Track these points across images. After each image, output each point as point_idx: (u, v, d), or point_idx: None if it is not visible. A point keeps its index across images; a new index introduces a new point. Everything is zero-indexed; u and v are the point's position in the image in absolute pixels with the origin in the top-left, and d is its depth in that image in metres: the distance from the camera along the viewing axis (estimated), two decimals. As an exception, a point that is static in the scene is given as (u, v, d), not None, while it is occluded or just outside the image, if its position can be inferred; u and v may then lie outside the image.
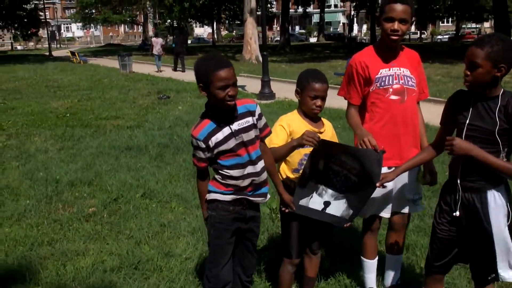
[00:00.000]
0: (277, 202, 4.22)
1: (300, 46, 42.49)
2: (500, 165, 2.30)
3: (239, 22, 48.08)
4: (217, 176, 2.64)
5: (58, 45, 67.25)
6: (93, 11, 58.94)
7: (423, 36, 60.71)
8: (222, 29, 70.74)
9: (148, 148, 7.49)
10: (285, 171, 2.91)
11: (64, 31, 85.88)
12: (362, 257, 3.18)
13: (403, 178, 2.98)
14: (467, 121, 2.41)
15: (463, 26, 59.86)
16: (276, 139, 2.81)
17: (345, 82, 3.07)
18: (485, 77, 2.30)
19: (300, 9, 63.09)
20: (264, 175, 2.68)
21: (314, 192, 2.74)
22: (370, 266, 3.16)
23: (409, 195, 3.03)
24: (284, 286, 2.99)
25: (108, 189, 5.57)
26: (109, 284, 3.45)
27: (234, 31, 73.25)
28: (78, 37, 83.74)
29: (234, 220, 2.65)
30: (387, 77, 2.90)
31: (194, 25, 68.27)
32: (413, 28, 69.49)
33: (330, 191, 2.73)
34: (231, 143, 2.54)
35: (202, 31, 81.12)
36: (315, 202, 2.75)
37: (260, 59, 19.13)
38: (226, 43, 62.20)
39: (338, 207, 2.76)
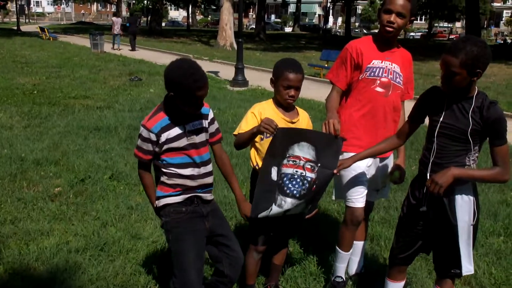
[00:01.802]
0: (246, 189, 4.23)
1: (275, 35, 42.43)
2: (484, 175, 2.41)
3: (215, 7, 47.64)
4: (162, 178, 2.56)
5: (27, 20, 65.25)
6: (65, -14, 57.28)
7: (396, 32, 61.40)
8: (197, 13, 69.94)
9: (117, 129, 7.37)
10: (256, 159, 2.91)
11: (34, 5, 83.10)
12: (337, 247, 3.15)
13: (381, 168, 3.06)
14: (441, 119, 2.46)
15: (436, 24, 60.89)
16: (245, 125, 2.80)
17: (336, 64, 3.09)
18: (462, 83, 2.34)
19: (277, -2, 62.89)
20: (212, 178, 2.68)
21: (273, 204, 2.66)
22: (344, 257, 3.16)
23: (379, 185, 3.11)
24: (249, 272, 3.02)
25: (75, 169, 5.47)
26: (73, 265, 3.40)
27: (210, 16, 72.58)
28: (48, 13, 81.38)
29: (192, 220, 2.58)
30: (377, 69, 2.94)
31: (169, 7, 67.12)
32: (387, 24, 70.18)
33: (289, 200, 2.62)
34: (183, 142, 2.51)
35: (177, 14, 79.99)
36: (274, 212, 2.68)
37: (235, 45, 19.07)
38: (201, 27, 61.52)
39: (298, 208, 2.72)
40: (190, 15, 57.70)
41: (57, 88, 11.16)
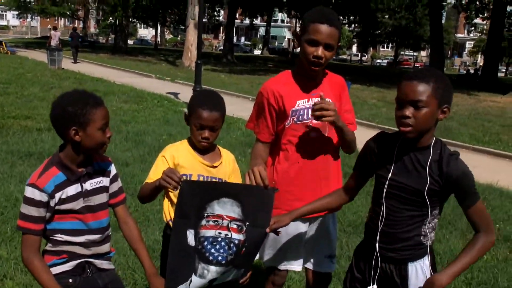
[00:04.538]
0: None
1: (244, 57, 42.25)
2: (474, 256, 1.91)
3: (184, 27, 47.32)
4: (46, 247, 2.05)
5: (-10, 33, 63.25)
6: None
7: (363, 58, 62.52)
8: (167, 33, 69.43)
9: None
10: (170, 212, 2.35)
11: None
12: None
13: (321, 230, 2.52)
14: (389, 175, 1.95)
15: (402, 52, 62.16)
16: (154, 173, 2.25)
17: (255, 113, 2.54)
18: (429, 120, 1.83)
19: (247, 21, 63.17)
20: (109, 245, 2.16)
21: (193, 275, 2.09)
22: None
23: (326, 251, 2.57)
24: None
25: (-13, 203, 4.76)
26: None
27: (179, 36, 72.18)
28: (13, 26, 79.28)
29: None
30: (305, 110, 2.39)
31: (138, 25, 66.43)
32: (354, 50, 71.64)
33: (213, 268, 2.08)
34: (78, 204, 2.00)
35: (146, 32, 79.21)
36: (196, 284, 2.10)
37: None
38: (170, 47, 60.96)
39: (227, 275, 2.16)
40: (159, 34, 57.18)
41: (-3, 107, 10.33)
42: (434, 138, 1.92)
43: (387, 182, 1.95)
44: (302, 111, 2.39)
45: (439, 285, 1.86)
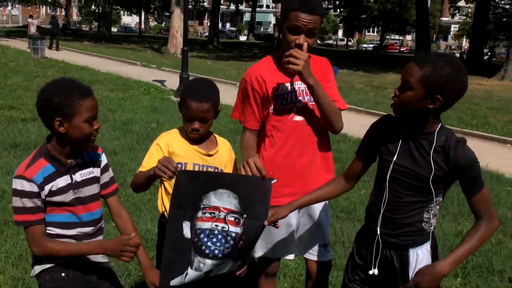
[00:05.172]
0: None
1: (229, 43, 41.93)
2: (476, 243, 1.89)
3: (168, 13, 46.74)
4: None
5: (-31, 22, 61.90)
6: (11, -13, 54.86)
7: (349, 43, 62.46)
8: (151, 20, 68.51)
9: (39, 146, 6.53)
10: (165, 202, 2.29)
11: (-22, 7, 79.27)
12: None
13: (313, 218, 2.47)
14: (394, 159, 1.91)
15: (387, 37, 62.19)
16: (148, 161, 2.19)
17: (239, 101, 2.47)
18: (412, 103, 1.80)
19: (233, 7, 62.59)
20: (102, 237, 2.11)
21: (189, 268, 2.04)
22: None
23: (319, 240, 2.53)
24: None
25: (-27, 196, 4.65)
26: None
27: (164, 23, 71.33)
28: (-6, 15, 77.73)
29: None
30: (289, 94, 2.33)
31: (121, 12, 65.46)
32: (340, 35, 71.53)
33: (209, 261, 2.03)
34: (68, 196, 1.94)
35: (130, 20, 78.11)
36: (192, 277, 2.06)
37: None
38: (154, 34, 60.26)
39: (223, 267, 2.11)
40: (143, 21, 56.44)
41: (-20, 97, 10.12)
42: (440, 125, 1.88)
43: (391, 166, 1.91)
44: (285, 95, 2.34)
45: (440, 273, 1.84)
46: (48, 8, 79.33)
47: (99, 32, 37.99)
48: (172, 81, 14.21)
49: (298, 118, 2.34)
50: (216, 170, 2.29)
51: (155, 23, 72.40)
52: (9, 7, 68.87)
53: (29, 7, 71.52)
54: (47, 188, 1.89)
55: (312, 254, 2.55)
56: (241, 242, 2.04)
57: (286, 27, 2.20)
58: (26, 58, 19.20)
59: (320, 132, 2.41)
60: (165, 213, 2.28)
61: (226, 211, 2.01)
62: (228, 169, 2.36)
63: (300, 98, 2.34)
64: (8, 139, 6.82)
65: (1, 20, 71.87)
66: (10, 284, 3.20)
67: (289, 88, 2.34)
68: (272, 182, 2.05)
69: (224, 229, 2.01)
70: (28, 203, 1.86)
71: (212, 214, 2.02)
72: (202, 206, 2.01)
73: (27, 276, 3.27)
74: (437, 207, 1.93)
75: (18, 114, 8.62)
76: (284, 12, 2.22)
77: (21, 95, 10.73)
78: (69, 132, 1.88)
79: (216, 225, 2.01)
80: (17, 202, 1.87)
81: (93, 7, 40.93)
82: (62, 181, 1.92)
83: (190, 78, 12.50)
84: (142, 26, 54.75)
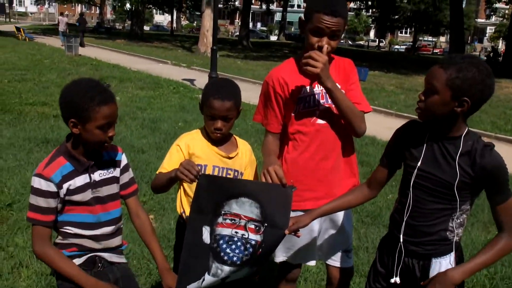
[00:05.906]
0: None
1: (260, 43, 41.96)
2: (492, 257, 1.81)
3: (199, 13, 47.11)
4: (56, 240, 2.02)
5: (8, 19, 63.75)
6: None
7: (381, 44, 61.65)
8: (183, 19, 69.25)
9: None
10: (184, 205, 2.29)
11: (16, 4, 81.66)
12: None
13: (335, 224, 2.43)
14: (418, 164, 1.86)
15: (420, 38, 61.12)
16: (168, 163, 2.18)
17: (261, 104, 2.43)
18: (440, 108, 1.75)
19: (264, 6, 62.61)
20: (120, 238, 2.12)
21: (206, 274, 2.02)
22: None
23: (342, 246, 2.48)
24: None
25: (4, 191, 4.76)
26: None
27: (195, 22, 71.95)
28: (31, 13, 79.96)
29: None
30: (312, 97, 2.29)
31: (154, 11, 66.37)
32: (372, 36, 70.64)
33: (226, 268, 2.01)
34: (87, 196, 1.95)
35: (162, 18, 79.21)
36: (208, 282, 2.03)
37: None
38: (186, 33, 60.84)
39: (240, 273, 2.08)
40: (175, 20, 57.06)
41: (15, 93, 10.38)
42: (467, 129, 1.82)
43: (415, 171, 1.86)
44: (308, 98, 2.29)
45: (451, 281, 1.78)
46: (83, 6, 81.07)
47: (132, 30, 38.64)
48: (202, 80, 14.30)
49: (321, 121, 2.30)
50: (236, 173, 2.27)
51: (187, 22, 73.11)
52: (46, 5, 70.63)
53: (65, 5, 73.20)
54: (65, 186, 1.90)
55: (334, 260, 2.51)
56: (260, 250, 2.01)
57: (309, 29, 2.16)
58: (61, 56, 19.68)
59: (343, 136, 2.36)
60: (183, 214, 2.27)
61: (246, 219, 1.99)
62: (248, 172, 2.34)
63: (323, 100, 2.29)
64: (40, 135, 6.98)
65: (38, 18, 73.89)
66: (33, 279, 3.26)
67: (312, 90, 2.29)
68: (292, 190, 2.02)
69: (244, 236, 1.98)
70: (42, 202, 1.88)
71: (233, 221, 1.99)
72: (223, 212, 1.99)
73: (50, 271, 3.32)
74: (464, 216, 1.87)
75: (50, 111, 8.82)
76: (307, 14, 2.18)
77: (54, 91, 10.98)
78: (82, 134, 1.89)
79: (236, 232, 1.99)
80: (32, 199, 1.90)
81: (127, 6, 41.63)
82: (80, 180, 1.93)
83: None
84: (174, 25, 55.36)
